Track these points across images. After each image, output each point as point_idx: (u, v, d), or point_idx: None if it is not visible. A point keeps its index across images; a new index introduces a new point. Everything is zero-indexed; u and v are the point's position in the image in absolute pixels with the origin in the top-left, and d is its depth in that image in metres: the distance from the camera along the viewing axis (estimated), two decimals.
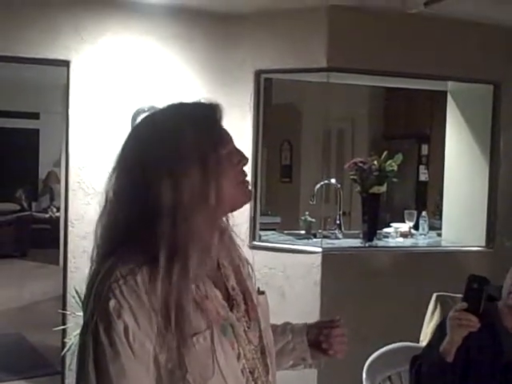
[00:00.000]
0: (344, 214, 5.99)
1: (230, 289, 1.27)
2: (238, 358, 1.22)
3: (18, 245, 9.24)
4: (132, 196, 1.16)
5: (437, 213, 5.76)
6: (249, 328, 1.27)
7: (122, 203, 1.18)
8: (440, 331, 2.07)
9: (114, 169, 1.21)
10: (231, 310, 1.24)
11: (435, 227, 5.12)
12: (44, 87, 7.59)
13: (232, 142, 1.26)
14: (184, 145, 1.16)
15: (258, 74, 4.23)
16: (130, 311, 1.09)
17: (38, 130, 10.63)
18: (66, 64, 4.01)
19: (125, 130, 1.12)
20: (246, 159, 1.26)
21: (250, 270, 1.36)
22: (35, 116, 10.38)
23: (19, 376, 4.50)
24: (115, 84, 4.09)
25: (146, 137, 1.21)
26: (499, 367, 2.04)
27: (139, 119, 1.29)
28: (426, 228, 4.81)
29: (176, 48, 4.18)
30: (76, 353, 1.17)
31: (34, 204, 10.59)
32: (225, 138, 1.25)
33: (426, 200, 6.72)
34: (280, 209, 7.29)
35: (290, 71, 4.21)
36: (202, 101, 1.28)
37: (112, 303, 1.09)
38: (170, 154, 1.15)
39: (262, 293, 1.38)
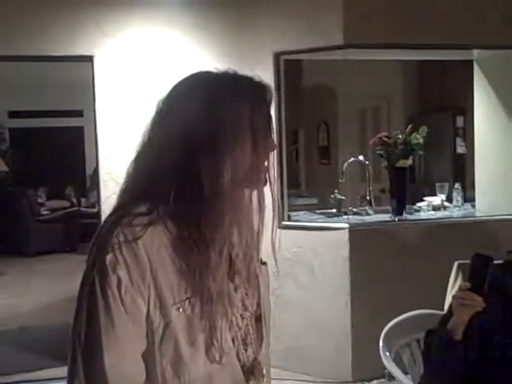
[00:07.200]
0: (383, 191, 5.96)
1: (233, 256, 1.29)
2: (230, 326, 1.25)
3: (67, 240, 9.49)
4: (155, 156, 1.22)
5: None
6: (247, 295, 1.31)
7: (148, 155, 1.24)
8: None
9: (155, 119, 1.24)
10: (232, 278, 1.28)
11: (473, 199, 5.02)
12: (86, 84, 7.72)
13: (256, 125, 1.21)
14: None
15: (277, 55, 4.26)
16: (126, 267, 1.13)
17: (82, 128, 10.85)
18: (89, 59, 4.14)
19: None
20: (273, 147, 1.25)
21: (259, 242, 1.35)
22: (79, 114, 10.58)
23: None
24: (139, 76, 4.20)
25: (196, 97, 1.20)
26: None
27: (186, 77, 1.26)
28: (461, 200, 4.74)
29: (195, 36, 4.25)
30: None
31: (83, 200, 10.84)
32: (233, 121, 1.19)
33: (465, 172, 6.61)
34: (320, 191, 7.28)
35: (309, 51, 4.21)
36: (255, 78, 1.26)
37: (109, 257, 1.14)
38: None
39: (264, 263, 1.41)
